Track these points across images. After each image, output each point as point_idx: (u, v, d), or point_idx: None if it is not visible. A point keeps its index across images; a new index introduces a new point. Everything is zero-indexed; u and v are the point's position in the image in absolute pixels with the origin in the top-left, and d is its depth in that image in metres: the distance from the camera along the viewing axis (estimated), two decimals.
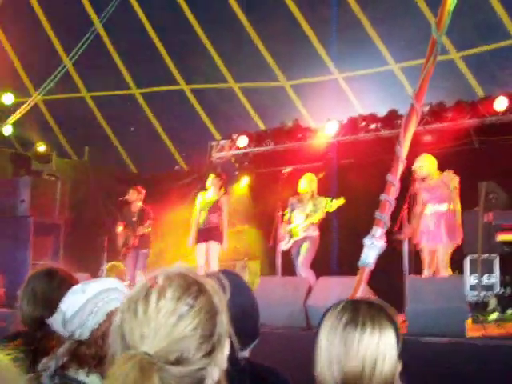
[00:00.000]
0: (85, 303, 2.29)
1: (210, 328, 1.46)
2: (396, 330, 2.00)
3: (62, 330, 2.28)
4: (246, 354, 2.53)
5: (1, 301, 2.94)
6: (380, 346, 1.93)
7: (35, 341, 2.66)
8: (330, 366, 1.96)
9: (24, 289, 2.95)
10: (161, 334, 1.40)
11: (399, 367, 1.99)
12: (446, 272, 8.34)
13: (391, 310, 2.07)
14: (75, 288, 2.37)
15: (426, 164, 8.65)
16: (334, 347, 1.96)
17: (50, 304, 2.45)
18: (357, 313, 1.99)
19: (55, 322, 2.29)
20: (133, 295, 1.49)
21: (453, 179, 8.57)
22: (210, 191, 10.29)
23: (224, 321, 1.50)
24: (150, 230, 11.07)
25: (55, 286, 2.84)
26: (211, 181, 10.29)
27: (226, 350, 1.52)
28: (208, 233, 10.12)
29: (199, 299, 1.46)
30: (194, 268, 1.50)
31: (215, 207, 10.18)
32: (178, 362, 1.39)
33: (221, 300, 1.52)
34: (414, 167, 8.56)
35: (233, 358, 1.57)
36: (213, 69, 13.12)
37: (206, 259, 10.04)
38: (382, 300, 2.13)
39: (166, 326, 1.40)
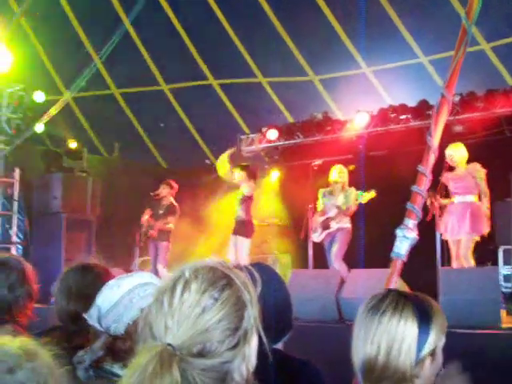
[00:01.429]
0: (120, 298, 2.30)
1: (236, 321, 1.45)
2: (421, 323, 1.97)
3: (98, 325, 2.30)
4: (279, 346, 2.54)
5: (36, 296, 2.97)
6: (398, 333, 1.93)
7: (70, 335, 2.69)
8: (356, 351, 2.00)
9: (59, 284, 2.95)
10: (184, 326, 1.41)
11: (427, 363, 1.97)
12: (467, 264, 8.22)
13: (433, 304, 2.06)
14: (111, 283, 2.38)
15: (459, 152, 8.54)
16: (359, 331, 2.00)
17: (85, 299, 2.45)
18: (383, 300, 2.01)
19: (91, 316, 2.31)
20: (161, 287, 1.51)
21: (479, 171, 8.44)
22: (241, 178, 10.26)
23: (252, 315, 1.49)
24: (171, 226, 11.11)
25: (90, 281, 2.82)
26: (236, 174, 10.25)
27: (253, 345, 1.51)
28: (237, 226, 10.16)
29: (225, 292, 1.46)
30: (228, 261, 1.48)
31: (242, 201, 10.18)
32: (201, 354, 1.40)
33: (250, 294, 1.51)
34: (446, 154, 8.47)
35: (260, 352, 1.56)
36: (241, 64, 13.12)
37: (236, 252, 10.06)
38: (425, 295, 2.12)
39: (190, 317, 1.41)
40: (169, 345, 1.39)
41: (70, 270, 2.99)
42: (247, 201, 10.18)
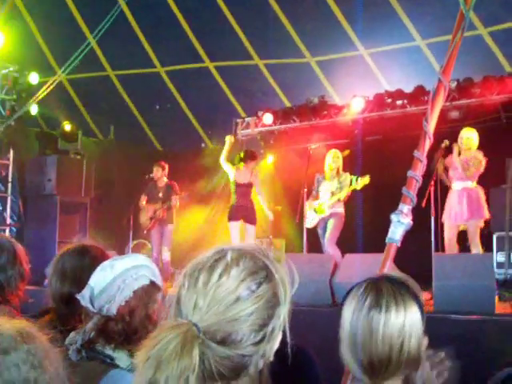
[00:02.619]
0: (113, 279, 2.30)
1: (266, 318, 1.43)
2: (420, 304, 1.97)
3: (90, 306, 2.29)
4: None
5: (28, 277, 2.96)
6: (406, 326, 1.91)
7: (64, 317, 2.67)
8: (354, 349, 1.94)
9: (54, 266, 2.91)
10: (214, 310, 1.38)
11: (425, 342, 1.97)
12: (476, 250, 8.24)
13: (413, 283, 2.04)
14: (104, 264, 2.37)
15: (474, 137, 8.55)
16: (358, 331, 1.93)
17: (81, 282, 2.43)
18: (380, 294, 1.95)
19: (83, 297, 2.30)
20: (199, 262, 1.47)
21: (482, 160, 8.45)
22: (243, 170, 10.24)
23: (282, 314, 1.47)
24: (177, 203, 11.12)
25: (87, 264, 2.76)
26: (243, 167, 10.24)
27: (276, 343, 1.49)
28: (242, 212, 10.15)
29: (263, 286, 1.43)
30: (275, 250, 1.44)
31: (248, 187, 10.18)
32: (224, 342, 1.38)
33: (286, 292, 1.48)
34: (463, 136, 8.48)
35: (279, 351, 1.53)
36: (237, 46, 13.04)
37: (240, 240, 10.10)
38: (404, 274, 2.11)
39: (222, 303, 1.39)
40: (194, 325, 1.37)
41: (66, 252, 2.94)
42: (250, 187, 10.26)
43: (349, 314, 1.97)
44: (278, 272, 1.48)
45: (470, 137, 8.54)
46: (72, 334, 2.30)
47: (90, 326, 2.29)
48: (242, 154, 10.36)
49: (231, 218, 10.19)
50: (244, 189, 10.18)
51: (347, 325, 1.96)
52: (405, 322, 1.91)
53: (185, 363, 1.31)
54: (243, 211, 10.12)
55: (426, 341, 1.97)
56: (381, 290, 1.95)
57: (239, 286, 1.40)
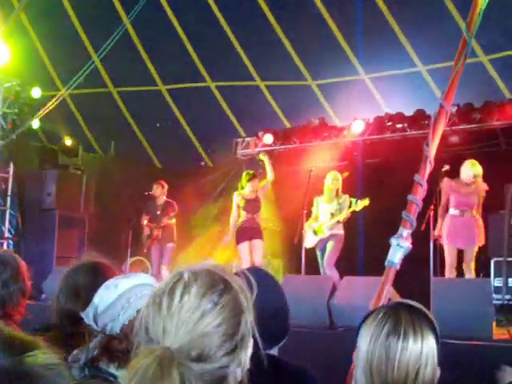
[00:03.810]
0: (117, 298, 2.30)
1: (234, 326, 1.45)
2: (436, 333, 1.98)
3: (94, 324, 2.29)
4: (274, 352, 2.53)
5: (29, 293, 2.94)
6: (423, 354, 1.92)
7: (67, 336, 2.65)
8: (369, 375, 1.94)
9: (64, 282, 2.85)
10: (183, 330, 1.40)
11: (438, 372, 1.98)
12: (470, 274, 8.26)
13: (427, 311, 2.06)
14: (108, 283, 2.38)
15: (480, 171, 8.52)
16: (374, 357, 1.93)
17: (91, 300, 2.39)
18: (398, 321, 1.95)
19: (87, 315, 2.31)
20: (158, 289, 1.49)
21: (484, 189, 8.48)
22: (247, 189, 10.24)
23: (248, 320, 1.50)
24: (173, 221, 11.12)
25: (100, 282, 2.58)
26: (247, 178, 10.24)
27: (249, 350, 1.52)
28: (251, 232, 10.15)
29: (224, 297, 1.46)
30: (224, 265, 1.48)
31: (256, 205, 10.18)
32: (200, 358, 1.39)
33: (247, 299, 1.51)
34: (470, 174, 8.44)
35: (254, 357, 1.56)
36: (239, 66, 13.11)
37: (251, 257, 10.09)
38: (417, 302, 2.12)
39: (189, 322, 1.41)
40: (167, 348, 1.38)
41: (77, 269, 2.89)
42: (259, 204, 10.26)
43: (366, 340, 1.97)
44: (235, 282, 1.51)
45: (477, 175, 8.51)
46: (75, 352, 2.29)
47: (93, 344, 2.29)
48: (245, 177, 10.31)
49: (239, 240, 10.14)
50: (252, 204, 10.17)
51: (363, 351, 1.97)
52: (422, 350, 1.92)
53: None
54: (250, 231, 10.12)
55: (439, 371, 1.97)
56: (399, 318, 1.96)
57: (201, 301, 1.43)
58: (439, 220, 8.58)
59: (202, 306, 1.43)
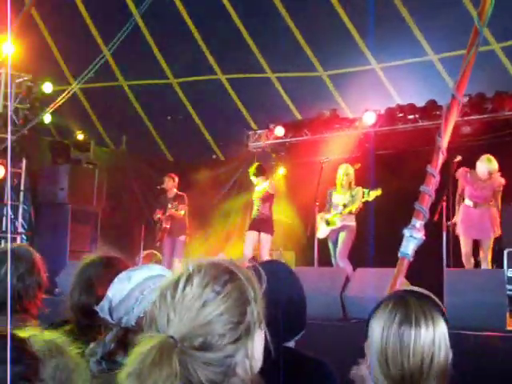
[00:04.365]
0: (131, 291, 2.30)
1: (239, 316, 1.47)
2: (445, 317, 2.01)
3: (109, 317, 2.30)
4: (291, 344, 2.53)
5: (45, 286, 2.94)
6: (435, 339, 1.94)
7: (83, 329, 2.66)
8: (384, 364, 1.95)
9: (77, 276, 2.85)
10: (185, 319, 1.43)
11: (451, 354, 1.99)
12: (487, 265, 8.26)
13: (433, 296, 2.09)
14: (121, 276, 2.38)
15: (496, 167, 8.48)
16: (389, 347, 1.95)
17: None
18: (409, 309, 1.98)
19: (102, 309, 2.31)
20: (165, 282, 1.53)
21: (500, 184, 8.47)
22: (260, 181, 10.30)
23: (255, 311, 1.51)
24: (183, 213, 11.12)
25: (113, 276, 2.58)
26: (254, 180, 10.31)
27: (257, 341, 1.53)
28: (260, 224, 10.20)
29: (227, 286, 1.48)
30: (236, 259, 1.49)
31: (266, 198, 10.21)
32: (203, 347, 1.42)
33: (254, 290, 1.53)
34: (485, 170, 8.41)
35: (266, 349, 1.57)
36: (250, 58, 13.09)
37: (255, 248, 10.24)
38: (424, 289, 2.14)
39: (191, 311, 1.44)
40: (170, 337, 1.41)
41: (91, 263, 2.89)
42: (270, 198, 10.29)
43: (378, 330, 1.99)
44: (242, 272, 1.53)
45: (492, 170, 8.47)
46: (92, 345, 2.31)
47: (109, 338, 2.29)
48: (253, 169, 10.35)
49: (249, 228, 10.36)
50: (264, 199, 10.23)
51: (377, 340, 1.98)
52: (434, 335, 1.94)
53: (166, 373, 1.36)
54: (261, 223, 10.20)
55: (451, 354, 1.99)
56: (409, 306, 1.99)
57: (203, 290, 1.46)
58: (456, 207, 8.59)
59: (205, 295, 1.46)
